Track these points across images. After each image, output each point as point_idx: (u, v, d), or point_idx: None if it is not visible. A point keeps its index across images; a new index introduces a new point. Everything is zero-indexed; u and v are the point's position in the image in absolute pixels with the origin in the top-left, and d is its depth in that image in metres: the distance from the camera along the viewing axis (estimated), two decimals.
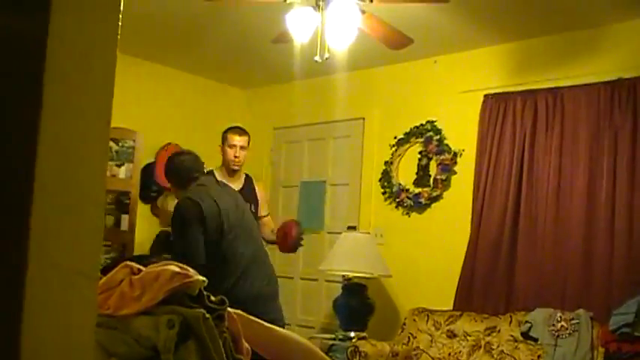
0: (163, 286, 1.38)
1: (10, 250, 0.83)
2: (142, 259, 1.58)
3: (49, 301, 0.83)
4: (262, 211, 4.76)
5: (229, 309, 1.47)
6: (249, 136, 4.66)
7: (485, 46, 5.07)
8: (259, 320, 1.81)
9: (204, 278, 1.43)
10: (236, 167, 4.59)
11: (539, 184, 4.63)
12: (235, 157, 4.54)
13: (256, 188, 4.76)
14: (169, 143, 6.03)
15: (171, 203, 4.51)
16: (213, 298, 1.42)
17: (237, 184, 4.54)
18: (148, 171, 5.87)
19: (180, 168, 3.80)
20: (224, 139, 4.60)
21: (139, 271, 1.49)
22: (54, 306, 0.83)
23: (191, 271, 1.43)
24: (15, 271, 0.81)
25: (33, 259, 0.80)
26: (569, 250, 4.41)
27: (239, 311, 1.61)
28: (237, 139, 4.56)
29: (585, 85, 4.51)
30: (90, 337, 0.90)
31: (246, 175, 4.77)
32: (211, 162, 5.05)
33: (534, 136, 4.71)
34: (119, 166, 5.54)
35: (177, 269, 1.41)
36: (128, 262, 1.52)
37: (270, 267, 3.90)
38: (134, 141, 5.58)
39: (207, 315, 1.36)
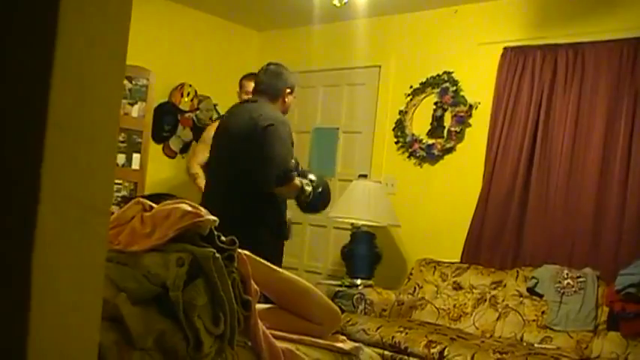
0: (174, 225, 1.39)
1: (23, 182, 0.82)
2: (155, 198, 1.58)
3: (60, 233, 0.83)
4: None
5: (239, 250, 1.47)
6: None
7: None
8: (267, 262, 1.82)
9: (215, 218, 1.43)
10: None
11: (553, 140, 4.59)
12: None
13: None
14: (183, 83, 6.01)
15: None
16: (223, 238, 1.43)
17: None
18: (160, 110, 5.85)
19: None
20: (240, 86, 4.55)
21: (151, 208, 1.49)
22: (65, 238, 0.83)
23: (202, 210, 1.43)
24: (27, 202, 0.80)
25: (45, 192, 0.80)
26: (580, 209, 4.39)
27: (248, 252, 1.61)
28: (251, 85, 4.44)
29: (607, 41, 4.42)
30: (100, 272, 0.90)
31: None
32: (226, 104, 5.03)
33: (552, 92, 4.64)
34: (132, 104, 5.52)
35: (188, 208, 1.41)
36: (140, 199, 1.52)
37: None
38: (148, 79, 5.55)
39: (217, 255, 1.36)
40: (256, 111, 3.62)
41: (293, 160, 3.59)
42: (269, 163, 3.48)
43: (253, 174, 3.55)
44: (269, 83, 3.73)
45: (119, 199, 5.20)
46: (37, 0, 0.83)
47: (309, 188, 3.65)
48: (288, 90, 3.76)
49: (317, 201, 3.78)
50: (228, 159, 3.71)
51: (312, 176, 3.75)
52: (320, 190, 3.71)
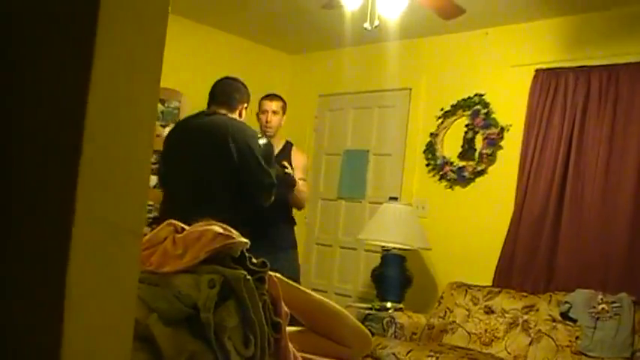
0: (205, 246, 1.39)
1: (57, 203, 0.83)
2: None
3: (94, 254, 0.83)
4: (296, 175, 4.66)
5: (270, 272, 1.47)
6: (283, 102, 4.56)
7: (538, 19, 4.95)
8: (298, 285, 1.82)
9: (247, 240, 1.43)
10: (269, 132, 4.46)
11: (587, 164, 4.53)
12: (267, 122, 4.48)
13: (293, 155, 4.68)
14: None
15: None
16: (254, 260, 1.43)
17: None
18: None
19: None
20: (258, 106, 4.59)
21: (183, 229, 1.50)
22: (99, 260, 0.84)
23: (234, 232, 1.43)
24: (61, 224, 0.81)
25: (79, 213, 0.81)
26: (615, 233, 4.32)
27: (279, 275, 1.61)
28: (268, 105, 4.51)
29: None
30: (133, 292, 0.90)
31: (287, 142, 4.71)
32: (257, 125, 5.06)
33: (585, 115, 4.59)
34: (164, 126, 5.58)
35: (220, 230, 1.42)
36: (172, 221, 1.53)
37: None
38: (179, 102, 5.62)
39: (249, 277, 1.36)
40: (226, 123, 3.68)
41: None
42: (255, 166, 3.57)
43: (248, 186, 3.60)
44: (229, 96, 3.81)
45: (151, 220, 5.24)
46: (75, 22, 0.85)
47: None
48: (246, 104, 3.88)
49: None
50: (198, 168, 3.71)
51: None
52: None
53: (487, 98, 5.19)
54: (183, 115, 5.65)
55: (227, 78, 3.95)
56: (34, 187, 0.87)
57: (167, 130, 5.57)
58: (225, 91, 3.85)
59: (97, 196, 0.83)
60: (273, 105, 4.51)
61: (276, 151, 4.47)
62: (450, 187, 5.36)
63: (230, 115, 3.77)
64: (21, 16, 0.93)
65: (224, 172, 3.61)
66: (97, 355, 0.86)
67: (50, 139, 0.87)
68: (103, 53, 0.82)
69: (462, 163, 5.26)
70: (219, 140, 3.62)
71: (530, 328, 4.32)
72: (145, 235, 1.45)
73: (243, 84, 3.92)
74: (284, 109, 4.57)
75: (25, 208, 0.88)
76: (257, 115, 4.61)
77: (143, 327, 1.26)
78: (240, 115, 3.84)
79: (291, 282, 1.75)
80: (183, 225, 1.51)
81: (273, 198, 3.64)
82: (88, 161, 0.81)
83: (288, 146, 4.68)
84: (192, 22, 5.87)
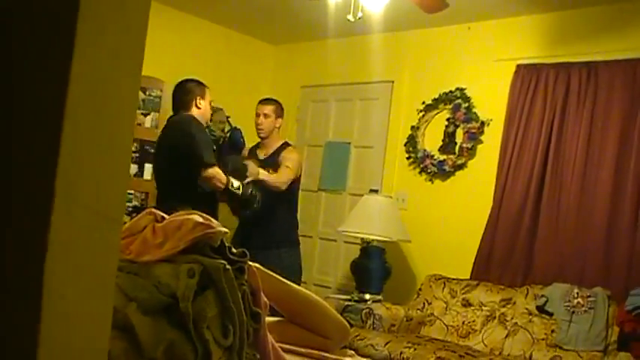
0: (185, 236, 1.39)
1: (37, 190, 0.83)
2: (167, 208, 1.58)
3: (73, 241, 0.83)
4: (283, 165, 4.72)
5: (250, 262, 1.47)
6: (275, 105, 4.78)
7: (520, 15, 4.97)
8: (277, 275, 1.82)
9: (226, 230, 1.44)
10: (262, 134, 4.77)
11: (565, 159, 4.58)
12: (258, 124, 4.75)
13: (283, 152, 4.72)
14: None
15: None
16: (234, 250, 1.43)
17: (267, 151, 4.74)
18: None
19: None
20: (256, 109, 4.80)
21: (163, 218, 1.50)
22: (78, 246, 0.84)
23: (214, 222, 1.43)
24: (41, 210, 0.81)
25: (59, 200, 0.81)
26: (592, 228, 4.37)
27: (258, 265, 1.62)
28: (261, 108, 4.76)
29: (621, 60, 4.41)
30: (112, 280, 0.91)
31: (284, 143, 4.86)
32: (239, 116, 5.09)
33: (565, 110, 4.64)
34: (145, 115, 5.55)
35: (200, 219, 1.42)
36: (152, 210, 1.53)
37: None
38: (161, 90, 5.59)
39: (228, 266, 1.37)
40: (174, 120, 4.18)
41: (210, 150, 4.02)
42: (195, 145, 3.93)
43: (188, 160, 3.96)
44: (179, 98, 4.21)
45: (130, 208, 5.22)
46: (55, 11, 0.84)
47: (236, 183, 4.08)
48: (199, 97, 4.19)
49: (247, 200, 4.20)
50: (165, 160, 4.15)
51: (248, 175, 4.23)
52: (245, 190, 4.16)
53: (468, 92, 5.21)
54: (164, 104, 5.63)
55: (178, 83, 4.31)
56: (14, 174, 0.87)
57: (148, 118, 5.56)
58: (176, 97, 4.24)
59: (76, 183, 0.83)
60: (265, 109, 4.76)
61: (272, 151, 4.75)
62: (431, 180, 5.38)
63: (188, 112, 4.15)
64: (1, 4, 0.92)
65: (168, 168, 4.10)
66: (75, 343, 0.86)
67: (30, 126, 0.86)
68: (84, 41, 0.82)
69: (442, 157, 5.29)
70: (163, 141, 4.19)
71: (507, 321, 4.37)
72: (125, 223, 1.44)
73: (194, 81, 4.27)
74: (277, 112, 4.79)
75: (4, 194, 0.87)
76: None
77: (122, 316, 1.26)
78: (197, 107, 4.19)
79: (270, 272, 1.76)
80: (163, 214, 1.51)
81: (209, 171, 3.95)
82: (68, 148, 0.81)
83: (283, 146, 4.77)
84: (175, 10, 5.83)
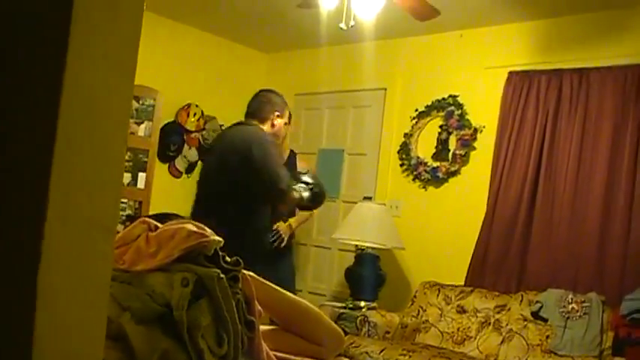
0: (179, 244, 1.39)
1: (30, 199, 0.83)
2: (160, 217, 1.58)
3: (66, 250, 0.83)
4: None
5: (244, 271, 1.47)
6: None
7: (512, 22, 5.00)
8: (271, 284, 1.82)
9: (220, 238, 1.43)
10: (277, 142, 4.59)
11: (558, 165, 4.59)
12: None
13: (297, 163, 4.78)
14: (189, 103, 6.04)
15: None
16: (228, 258, 1.43)
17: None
18: (166, 130, 5.88)
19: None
20: None
21: (156, 227, 1.49)
22: (71, 255, 0.84)
23: (208, 230, 1.43)
24: (34, 220, 0.81)
25: (52, 209, 0.80)
26: (585, 233, 4.38)
27: (252, 273, 1.61)
28: None
29: (612, 67, 4.44)
30: (105, 290, 0.90)
31: (291, 152, 4.86)
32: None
33: (557, 116, 4.66)
34: (139, 124, 5.55)
35: (193, 228, 1.42)
36: (146, 219, 1.52)
37: None
38: (155, 99, 5.59)
39: (222, 275, 1.36)
40: (242, 131, 3.72)
41: (285, 172, 3.62)
42: (262, 174, 3.51)
43: (252, 186, 3.56)
44: (257, 107, 3.83)
45: (124, 217, 5.21)
46: (49, 18, 0.84)
47: (306, 194, 3.69)
48: (277, 113, 3.83)
49: (314, 202, 3.83)
50: (217, 173, 3.72)
51: (306, 178, 3.80)
52: (317, 190, 3.77)
53: (461, 99, 5.23)
54: (157, 113, 5.63)
55: (262, 90, 3.97)
56: (7, 183, 0.87)
57: (142, 127, 5.56)
58: (251, 104, 3.87)
59: (69, 192, 0.83)
60: None
61: (283, 160, 4.56)
62: (424, 187, 5.39)
63: (261, 125, 3.77)
64: None
65: (224, 185, 3.61)
66: (69, 354, 0.85)
67: (23, 135, 0.86)
68: (77, 50, 0.82)
69: (435, 164, 5.30)
70: (225, 153, 3.67)
71: (502, 327, 4.37)
72: (118, 232, 1.44)
73: (277, 94, 3.92)
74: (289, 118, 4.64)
75: None
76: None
77: (116, 325, 1.25)
78: (272, 125, 3.83)
79: (264, 281, 1.75)
80: (157, 223, 1.51)
81: (288, 199, 3.66)
82: (61, 157, 0.81)
83: (292, 155, 4.76)
84: (168, 19, 5.83)
